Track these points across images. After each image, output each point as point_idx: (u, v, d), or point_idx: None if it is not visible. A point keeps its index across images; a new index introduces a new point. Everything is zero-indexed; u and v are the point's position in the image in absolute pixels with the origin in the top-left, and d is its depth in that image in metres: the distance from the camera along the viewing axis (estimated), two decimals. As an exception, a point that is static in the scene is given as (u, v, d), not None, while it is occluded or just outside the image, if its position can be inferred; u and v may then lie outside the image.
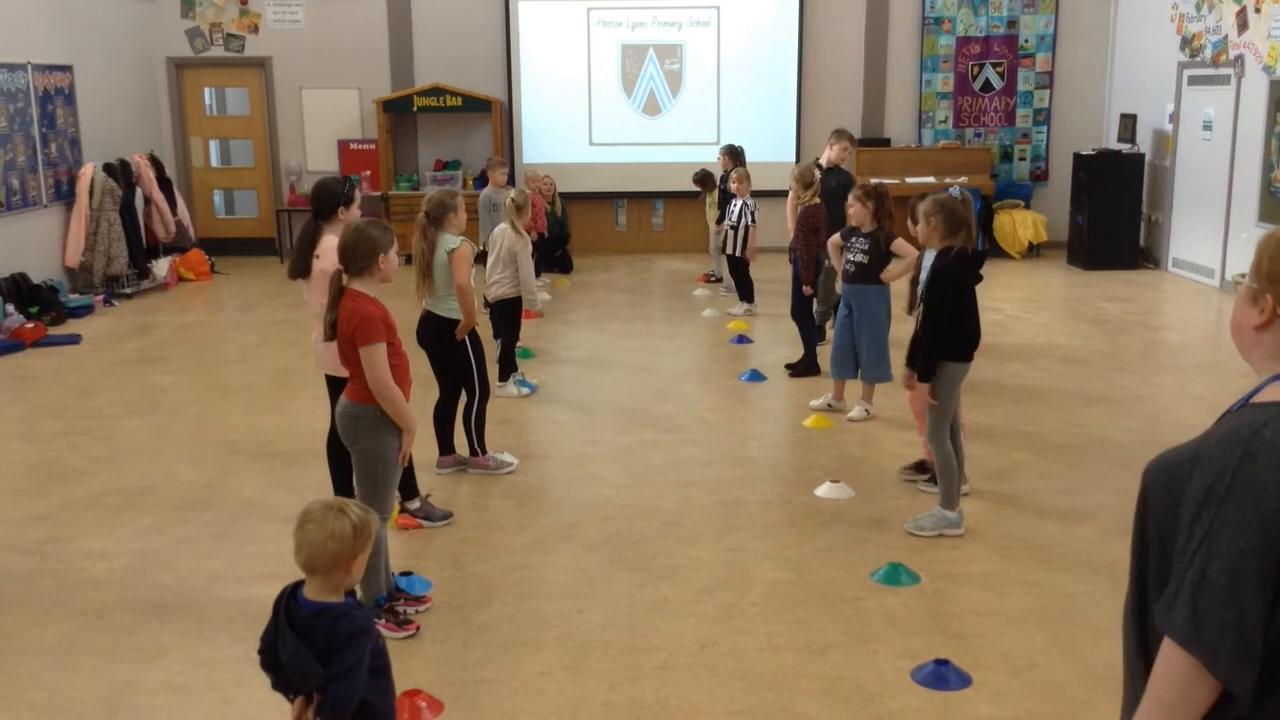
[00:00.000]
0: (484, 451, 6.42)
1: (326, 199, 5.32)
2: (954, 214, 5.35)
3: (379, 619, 4.44)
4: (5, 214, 10.87)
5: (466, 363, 6.21)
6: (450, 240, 6.10)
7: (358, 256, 4.35)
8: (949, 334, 5.31)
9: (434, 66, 14.18)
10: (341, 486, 5.29)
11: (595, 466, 6.55)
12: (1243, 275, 1.92)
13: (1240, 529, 1.64)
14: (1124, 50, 14.04)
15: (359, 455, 4.48)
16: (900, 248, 6.96)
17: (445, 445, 6.42)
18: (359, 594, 4.28)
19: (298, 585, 2.86)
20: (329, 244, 5.07)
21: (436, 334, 6.17)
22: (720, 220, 11.93)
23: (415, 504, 5.66)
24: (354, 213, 5.34)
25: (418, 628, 4.52)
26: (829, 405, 7.53)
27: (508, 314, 7.88)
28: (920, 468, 6.17)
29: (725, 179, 11.43)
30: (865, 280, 7.12)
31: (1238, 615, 1.63)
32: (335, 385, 5.16)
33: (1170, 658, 1.69)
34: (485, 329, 7.56)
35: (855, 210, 7.08)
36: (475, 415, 6.33)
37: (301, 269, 5.32)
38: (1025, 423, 7.28)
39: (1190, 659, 1.66)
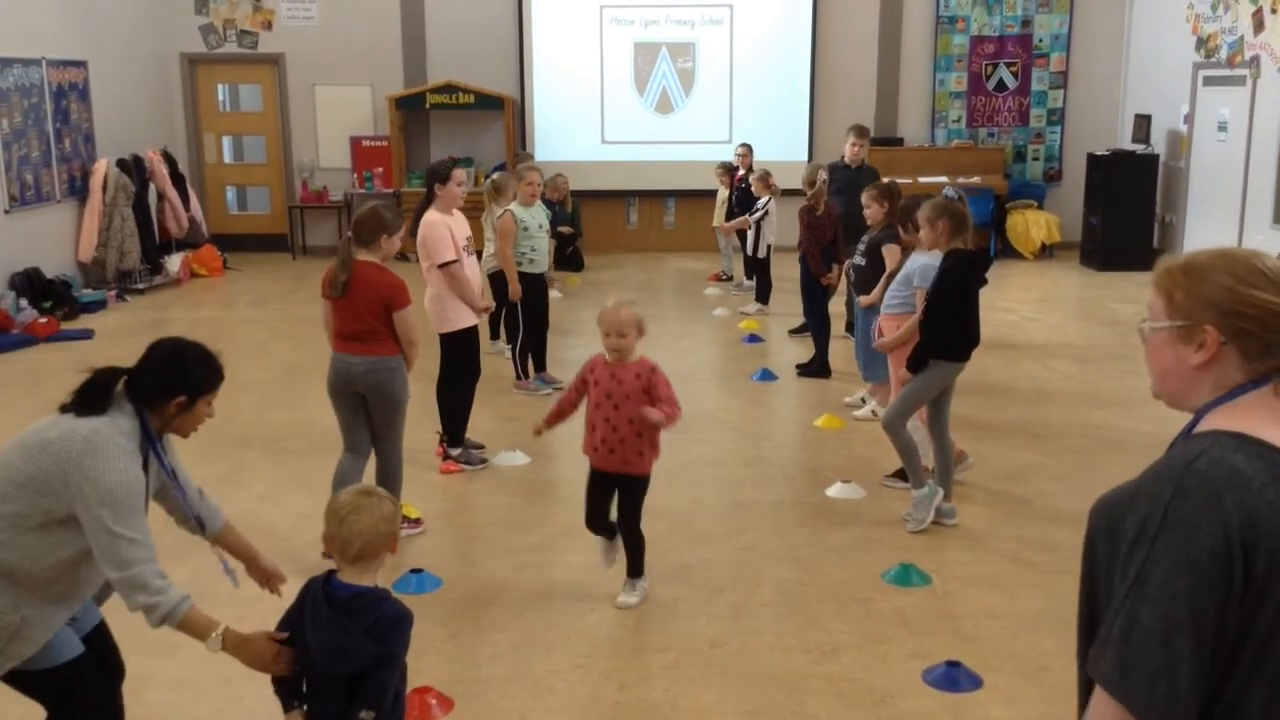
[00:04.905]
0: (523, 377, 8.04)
1: (429, 175, 6.30)
2: (958, 216, 5.37)
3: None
4: (19, 209, 10.91)
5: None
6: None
7: (363, 231, 5.05)
8: (949, 334, 5.31)
9: (447, 63, 14.18)
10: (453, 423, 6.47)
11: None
12: (1148, 321, 1.73)
13: (1172, 570, 1.52)
14: (1139, 50, 13.98)
15: (391, 403, 5.17)
16: (887, 252, 6.92)
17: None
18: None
19: (330, 573, 2.86)
20: (429, 216, 6.16)
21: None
22: (729, 219, 11.95)
23: (457, 450, 6.47)
24: (451, 190, 6.19)
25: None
26: (862, 400, 7.54)
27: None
28: (902, 475, 6.11)
29: (745, 178, 11.41)
30: (861, 290, 7.20)
31: (1170, 663, 1.51)
32: (444, 341, 6.36)
33: (1100, 702, 1.58)
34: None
35: (870, 211, 7.10)
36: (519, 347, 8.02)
37: (413, 230, 6.24)
38: (1037, 425, 7.25)
39: (1119, 706, 1.55)
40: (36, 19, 11.31)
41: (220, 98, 14.75)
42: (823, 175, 8.57)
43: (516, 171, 8.17)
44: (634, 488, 4.66)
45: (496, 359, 8.67)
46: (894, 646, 4.37)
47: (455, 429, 6.52)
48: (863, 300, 7.12)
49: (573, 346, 9.53)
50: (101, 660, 3.20)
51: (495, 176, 8.75)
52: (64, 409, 2.94)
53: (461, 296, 6.24)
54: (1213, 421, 1.66)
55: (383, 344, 5.09)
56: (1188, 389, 1.71)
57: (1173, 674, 1.51)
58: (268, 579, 3.41)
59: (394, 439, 5.25)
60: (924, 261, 5.76)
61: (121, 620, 4.59)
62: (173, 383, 2.99)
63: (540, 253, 7.84)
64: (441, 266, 6.14)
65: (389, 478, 5.31)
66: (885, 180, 7.52)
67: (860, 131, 9.31)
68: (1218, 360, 1.66)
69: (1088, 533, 1.72)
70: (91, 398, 2.92)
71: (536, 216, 7.84)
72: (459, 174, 6.30)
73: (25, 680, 2.99)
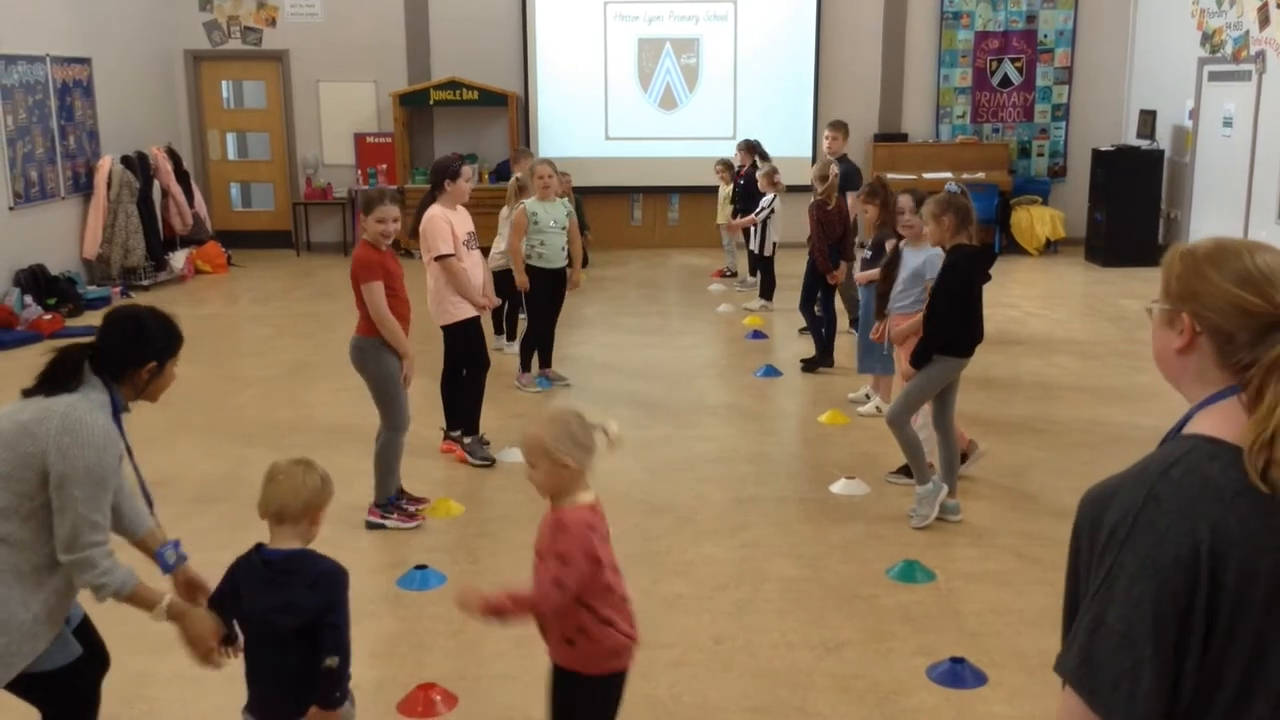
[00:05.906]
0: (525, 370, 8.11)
1: (436, 173, 6.33)
2: (963, 210, 5.37)
3: (390, 514, 5.48)
4: (24, 206, 10.92)
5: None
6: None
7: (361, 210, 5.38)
8: (952, 330, 5.32)
9: (451, 60, 14.17)
10: (452, 417, 6.59)
11: (609, 461, 6.51)
12: (1155, 301, 1.79)
13: (1137, 575, 1.55)
14: (1144, 46, 13.95)
15: (369, 378, 5.41)
16: (890, 247, 6.93)
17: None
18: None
19: (258, 546, 2.95)
20: (431, 210, 6.22)
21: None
22: (734, 216, 11.94)
23: (468, 440, 6.50)
24: (460, 186, 6.25)
25: (423, 519, 5.56)
26: (866, 395, 7.54)
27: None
28: (906, 471, 6.11)
29: (748, 176, 11.37)
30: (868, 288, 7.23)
31: (1132, 665, 1.55)
32: (445, 334, 6.41)
33: (1066, 698, 1.63)
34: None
35: (869, 215, 7.16)
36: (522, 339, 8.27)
37: (413, 230, 6.43)
38: (1041, 420, 7.24)
39: (1083, 703, 1.59)
40: (40, 16, 11.32)
41: (224, 94, 14.75)
42: (835, 170, 8.54)
43: (531, 168, 8.20)
44: (558, 687, 3.09)
45: (498, 356, 8.67)
46: (898, 643, 4.36)
47: (468, 419, 6.55)
48: (860, 277, 7.24)
49: (575, 343, 9.53)
50: (93, 654, 3.22)
51: (519, 175, 8.76)
52: (28, 392, 2.92)
53: (458, 290, 6.26)
54: (1198, 424, 1.67)
55: (361, 321, 5.39)
56: (1174, 373, 1.75)
57: (1135, 676, 1.54)
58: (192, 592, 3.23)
59: (383, 419, 5.47)
60: (914, 263, 5.94)
61: (125, 616, 4.59)
62: (141, 350, 3.00)
63: (551, 248, 7.72)
64: (438, 259, 6.21)
65: (378, 458, 5.52)
66: (869, 181, 7.58)
67: (834, 125, 9.40)
68: (1194, 348, 1.69)
69: (1075, 523, 1.75)
70: (63, 376, 2.90)
71: (552, 213, 7.73)
72: (468, 170, 6.41)
73: (29, 683, 2.98)
